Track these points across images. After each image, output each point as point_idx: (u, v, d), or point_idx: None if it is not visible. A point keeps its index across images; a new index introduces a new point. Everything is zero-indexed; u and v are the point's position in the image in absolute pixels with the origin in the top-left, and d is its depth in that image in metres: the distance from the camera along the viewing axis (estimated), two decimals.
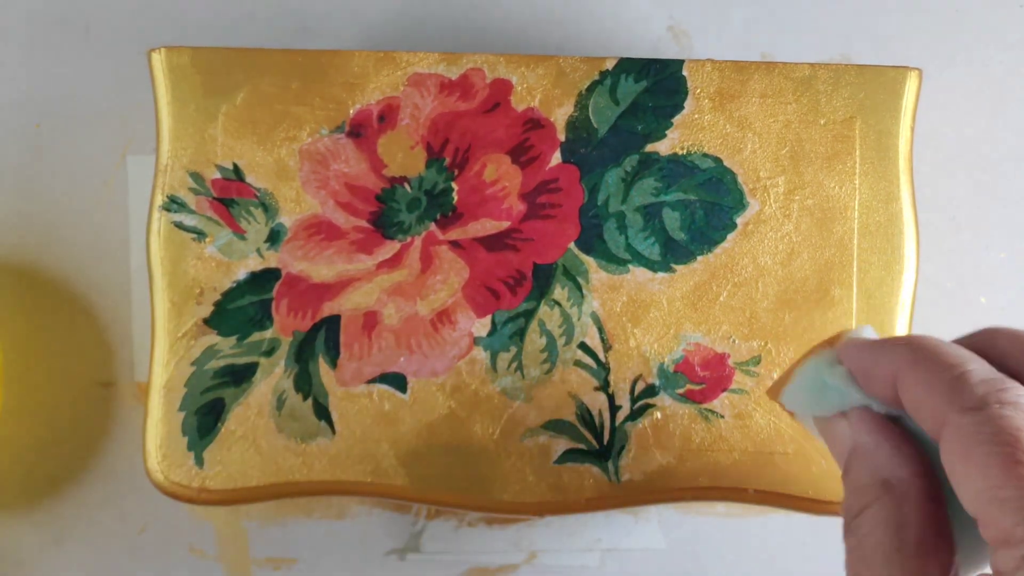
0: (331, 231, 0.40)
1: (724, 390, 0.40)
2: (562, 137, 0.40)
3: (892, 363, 0.28)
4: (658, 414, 0.40)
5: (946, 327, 0.46)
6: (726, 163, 0.40)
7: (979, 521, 0.25)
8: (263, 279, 0.40)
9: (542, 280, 0.40)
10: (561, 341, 0.40)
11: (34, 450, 0.45)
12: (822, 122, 0.40)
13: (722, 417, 0.39)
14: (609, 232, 0.40)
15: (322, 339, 0.39)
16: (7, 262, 0.45)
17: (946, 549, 0.27)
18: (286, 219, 0.40)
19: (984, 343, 0.29)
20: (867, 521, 0.28)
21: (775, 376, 0.40)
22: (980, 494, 0.25)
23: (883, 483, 0.28)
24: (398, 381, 0.39)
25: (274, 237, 0.40)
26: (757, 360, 0.40)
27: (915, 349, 0.28)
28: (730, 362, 0.40)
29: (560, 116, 0.40)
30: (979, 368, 0.27)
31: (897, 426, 0.29)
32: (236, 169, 0.40)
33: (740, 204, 0.40)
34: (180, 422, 0.39)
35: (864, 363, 0.30)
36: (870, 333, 0.31)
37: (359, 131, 0.40)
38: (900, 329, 0.40)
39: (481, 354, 0.40)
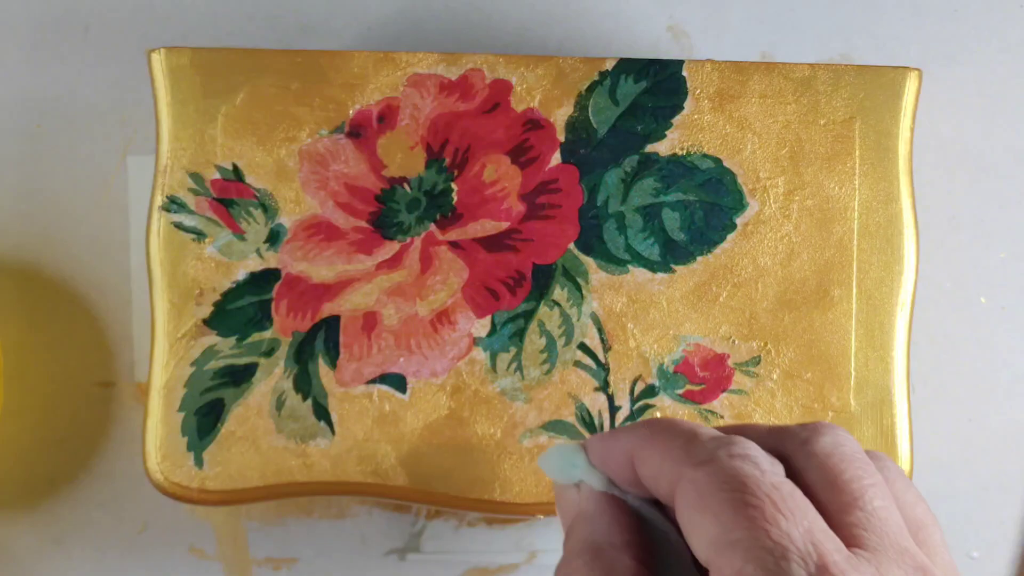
0: (331, 232, 0.40)
1: (724, 391, 0.40)
2: (562, 138, 0.40)
3: (628, 444, 0.30)
4: (657, 415, 0.40)
5: (946, 327, 0.46)
6: (726, 163, 0.40)
7: (711, 569, 0.26)
8: (263, 280, 0.40)
9: (542, 281, 0.40)
10: (561, 342, 0.40)
11: (34, 450, 0.45)
12: (822, 122, 0.40)
13: (722, 418, 0.39)
14: (609, 233, 0.40)
15: (322, 339, 0.39)
16: (7, 262, 0.45)
17: None
18: (286, 220, 0.40)
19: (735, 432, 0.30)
20: None
21: (775, 377, 0.40)
22: (712, 541, 0.26)
23: (595, 548, 0.29)
24: (398, 382, 0.39)
25: (274, 238, 0.40)
26: (757, 361, 0.40)
27: (650, 426, 0.29)
28: (730, 363, 0.40)
29: (560, 117, 0.40)
30: (709, 431, 0.28)
31: (622, 502, 0.30)
32: (236, 170, 0.40)
33: (740, 205, 0.40)
34: (180, 422, 0.39)
35: (602, 451, 0.31)
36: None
37: (359, 132, 0.40)
38: (900, 329, 0.40)
39: (481, 355, 0.40)
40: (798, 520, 0.25)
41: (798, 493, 0.26)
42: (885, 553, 0.25)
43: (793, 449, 0.28)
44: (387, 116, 0.40)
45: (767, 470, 0.26)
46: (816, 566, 0.24)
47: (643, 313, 0.40)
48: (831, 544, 0.25)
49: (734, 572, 0.25)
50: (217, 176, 0.40)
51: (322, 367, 0.39)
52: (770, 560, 0.24)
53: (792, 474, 0.27)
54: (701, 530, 0.26)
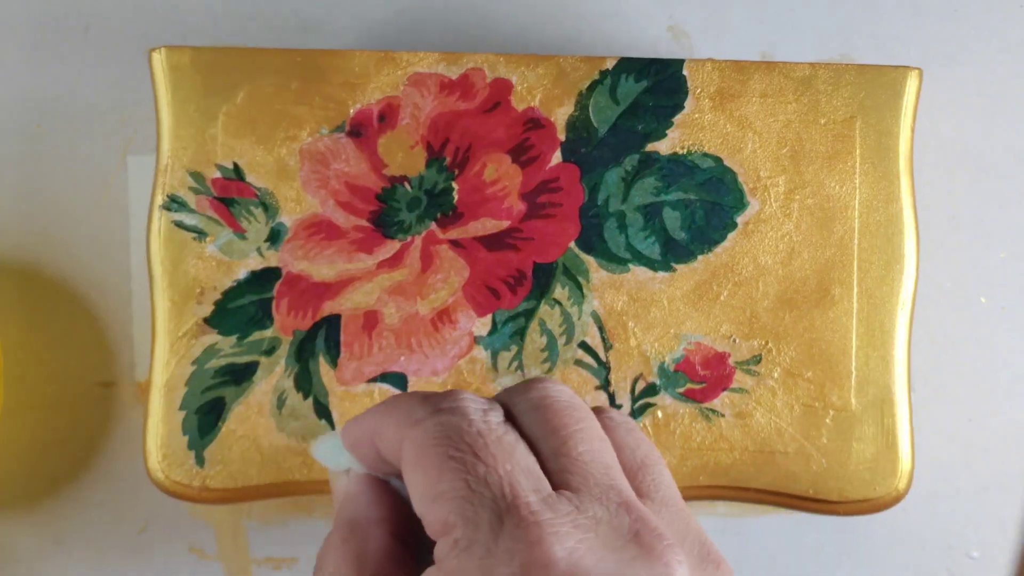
0: (331, 230, 0.40)
1: (724, 389, 0.40)
2: (562, 137, 0.40)
3: (369, 425, 0.31)
4: (659, 413, 0.40)
5: (946, 327, 0.46)
6: (726, 162, 0.40)
7: (424, 523, 0.27)
8: (263, 278, 0.40)
9: (542, 279, 0.40)
10: (561, 340, 0.40)
11: (34, 450, 0.45)
12: (822, 122, 0.40)
13: (723, 416, 0.39)
14: (609, 231, 0.40)
15: (322, 338, 0.39)
16: (7, 262, 0.45)
17: None
18: (286, 218, 0.40)
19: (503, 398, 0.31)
20: (331, 557, 0.30)
21: (776, 376, 0.40)
22: (423, 495, 0.27)
23: (352, 523, 0.30)
24: (399, 380, 0.39)
25: (274, 236, 0.40)
26: (758, 359, 0.40)
27: (386, 402, 0.30)
28: (730, 361, 0.40)
29: (560, 116, 0.40)
30: (430, 393, 0.29)
31: (384, 483, 0.31)
32: (236, 169, 0.40)
33: (740, 203, 0.40)
34: (181, 421, 0.39)
35: (351, 436, 0.32)
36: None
37: (359, 131, 0.40)
38: (900, 329, 0.40)
39: (481, 353, 0.40)
40: (499, 464, 0.26)
41: (508, 437, 0.27)
42: (589, 492, 0.26)
43: (513, 400, 0.29)
44: (388, 115, 0.40)
45: (475, 419, 0.27)
46: (508, 507, 0.25)
47: (644, 312, 0.40)
48: (531, 485, 0.26)
49: (439, 523, 0.26)
50: (218, 175, 0.40)
51: (323, 366, 0.39)
52: (467, 507, 0.25)
53: (514, 422, 0.28)
54: (414, 487, 0.27)
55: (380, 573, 0.29)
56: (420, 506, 0.27)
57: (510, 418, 0.28)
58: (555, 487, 0.26)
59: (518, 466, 0.26)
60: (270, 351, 0.39)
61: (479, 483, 0.26)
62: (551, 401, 0.28)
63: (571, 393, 0.29)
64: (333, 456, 0.34)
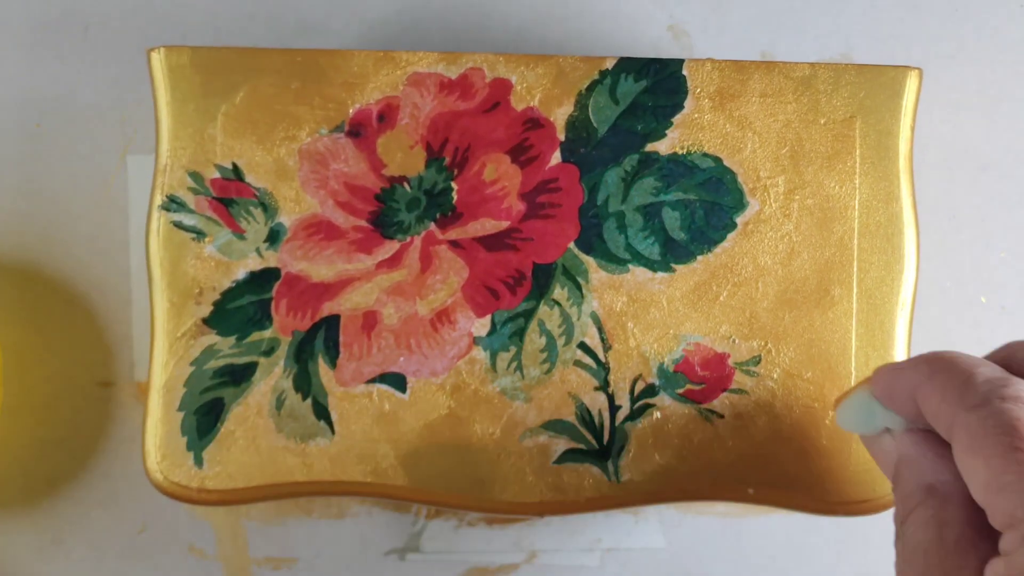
0: (330, 231, 0.40)
1: (724, 390, 0.40)
2: (562, 137, 0.40)
3: (910, 381, 0.30)
4: (658, 414, 0.40)
5: (946, 327, 0.46)
6: (726, 163, 0.40)
7: (987, 511, 0.26)
8: (262, 279, 0.40)
9: (542, 280, 0.40)
10: (561, 341, 0.40)
11: (34, 450, 0.45)
12: (822, 122, 0.40)
13: (722, 417, 0.39)
14: (609, 232, 0.40)
15: (321, 339, 0.39)
16: (7, 262, 0.45)
17: (985, 547, 0.28)
18: (285, 219, 0.40)
19: (1005, 355, 0.30)
20: (912, 523, 0.29)
21: (775, 376, 0.40)
22: (985, 485, 0.26)
23: (927, 487, 0.30)
24: (398, 381, 0.39)
25: (273, 237, 0.40)
26: (757, 360, 0.40)
27: (930, 363, 0.30)
28: (730, 362, 0.40)
29: (560, 116, 0.40)
30: (986, 370, 0.28)
31: (936, 437, 0.31)
32: (235, 169, 0.40)
33: (740, 204, 0.40)
34: (179, 422, 0.39)
35: (887, 386, 0.32)
36: None
37: (358, 131, 0.40)
38: (900, 329, 0.40)
39: (481, 354, 0.40)
40: None
41: None
42: None
43: None
44: (387, 115, 0.40)
45: None
46: None
47: (643, 312, 0.40)
48: None
49: (1006, 516, 0.26)
50: (217, 175, 0.40)
51: (322, 366, 0.39)
52: None
53: None
54: (974, 474, 0.27)
55: (962, 541, 0.28)
56: (981, 494, 0.27)
57: None
58: None
59: None
60: (269, 352, 0.39)
61: None
62: None
63: None
64: (867, 420, 0.34)
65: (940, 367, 0.29)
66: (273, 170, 0.40)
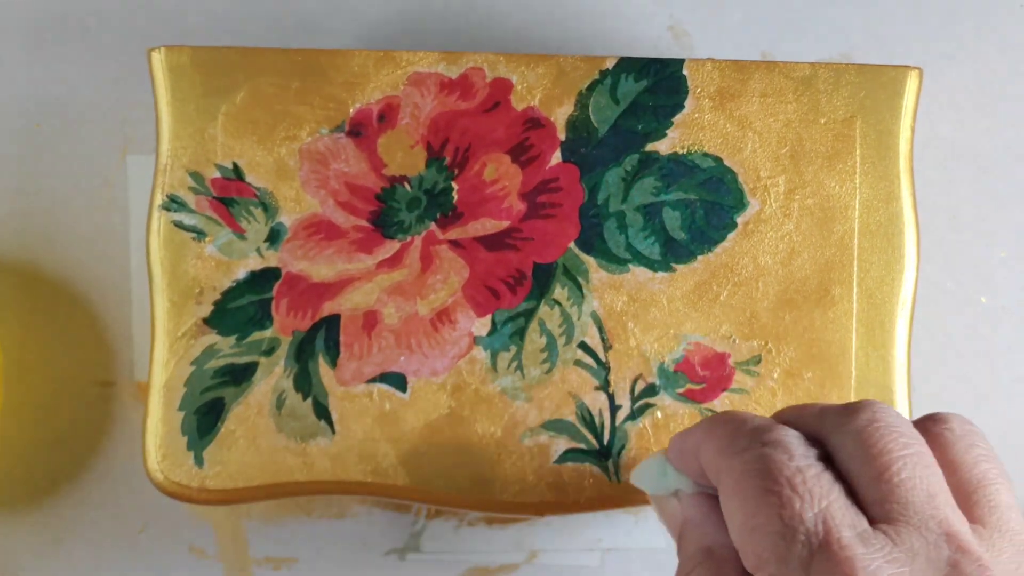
0: (331, 230, 0.40)
1: (724, 390, 0.40)
2: (562, 136, 0.40)
3: (695, 439, 0.31)
4: (658, 413, 0.40)
5: (946, 327, 0.46)
6: (726, 162, 0.40)
7: (740, 553, 0.27)
8: (263, 278, 0.40)
9: (542, 279, 0.40)
10: (561, 340, 0.40)
11: (34, 450, 0.45)
12: (822, 121, 0.40)
13: None
14: (609, 231, 0.40)
15: (322, 338, 0.39)
16: (7, 262, 0.45)
17: None
18: (286, 218, 0.40)
19: (794, 414, 0.31)
20: None
21: (776, 376, 0.40)
22: (739, 527, 0.27)
23: (706, 550, 0.31)
24: (398, 381, 0.39)
25: (274, 236, 0.40)
26: (757, 360, 0.40)
27: (711, 420, 0.31)
28: (730, 362, 0.40)
29: (560, 115, 0.40)
30: (755, 420, 0.29)
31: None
32: (236, 168, 0.40)
33: (740, 203, 0.40)
34: (180, 422, 0.39)
35: (677, 447, 0.33)
36: None
37: (359, 130, 0.40)
38: (901, 329, 0.40)
39: (481, 354, 0.40)
40: (815, 501, 0.26)
41: (825, 475, 0.27)
42: (908, 523, 0.26)
43: (832, 428, 0.28)
44: (387, 115, 0.40)
45: (796, 454, 0.27)
46: (820, 543, 0.25)
47: (644, 312, 0.40)
48: (846, 521, 0.26)
49: (756, 557, 0.26)
50: (217, 175, 0.40)
51: (322, 366, 0.39)
52: (780, 543, 0.26)
53: (832, 453, 0.28)
54: (733, 517, 0.27)
55: None
56: (736, 537, 0.27)
57: (829, 446, 0.28)
58: (874, 518, 0.26)
59: (835, 503, 0.26)
60: (269, 351, 0.39)
61: (794, 519, 0.26)
62: (874, 428, 0.28)
63: (895, 415, 0.28)
64: (659, 480, 0.34)
65: (717, 423, 0.30)
66: (274, 170, 0.40)
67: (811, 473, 0.27)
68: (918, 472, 0.27)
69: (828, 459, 0.28)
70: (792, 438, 0.28)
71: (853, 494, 0.27)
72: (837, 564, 0.25)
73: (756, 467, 0.27)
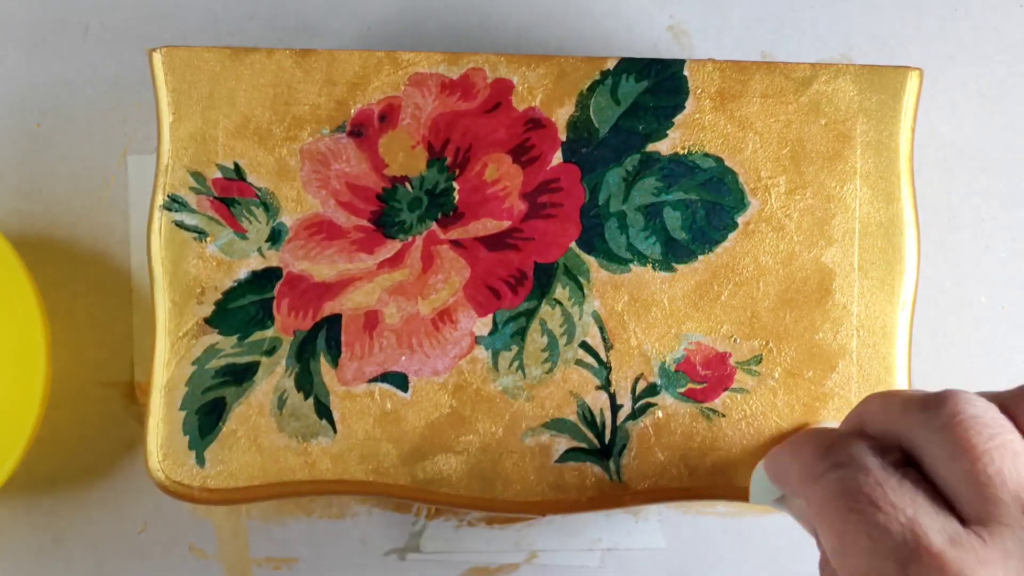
0: (332, 230, 0.40)
1: (725, 389, 0.40)
2: (563, 137, 0.40)
3: (784, 464, 0.32)
4: (659, 413, 0.40)
5: (946, 327, 0.46)
6: (727, 163, 0.40)
7: (839, 574, 0.27)
8: (264, 278, 0.40)
9: (543, 279, 0.40)
10: (562, 340, 0.40)
11: (34, 450, 0.45)
12: (823, 122, 0.40)
13: (723, 416, 0.39)
14: (610, 231, 0.40)
15: (323, 338, 0.39)
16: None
17: None
18: (287, 218, 0.40)
19: (860, 410, 0.32)
20: None
21: (776, 376, 0.40)
22: (833, 552, 0.27)
23: (822, 562, 0.31)
24: (399, 380, 0.39)
25: (275, 236, 0.40)
26: (758, 359, 0.40)
27: (792, 444, 0.32)
28: (731, 361, 0.40)
29: (561, 116, 0.40)
30: (828, 439, 0.30)
31: None
32: (237, 168, 0.40)
33: (741, 204, 0.40)
34: (181, 421, 0.39)
35: (772, 469, 0.34)
36: None
37: (360, 131, 0.40)
38: (901, 329, 0.40)
39: (482, 353, 0.40)
40: (899, 512, 0.26)
41: (906, 483, 0.27)
42: (1000, 521, 0.25)
43: (914, 425, 0.28)
44: (389, 115, 0.40)
45: (872, 468, 0.27)
46: (911, 552, 0.25)
47: (645, 312, 0.40)
48: (935, 526, 0.25)
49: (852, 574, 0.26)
50: (218, 175, 0.40)
51: (324, 366, 0.39)
52: (872, 560, 0.26)
53: (916, 452, 0.28)
54: (826, 542, 0.28)
55: None
56: (834, 561, 0.27)
57: (913, 445, 0.28)
58: (966, 517, 0.26)
59: (920, 509, 0.26)
60: (271, 351, 0.39)
61: (881, 533, 0.26)
62: (958, 420, 0.27)
63: (980, 404, 0.27)
64: (762, 493, 0.36)
65: (798, 446, 0.31)
66: (275, 170, 0.40)
67: (891, 484, 0.26)
68: (1007, 464, 0.26)
69: (911, 460, 0.28)
70: (865, 453, 0.28)
71: (942, 493, 0.27)
72: (930, 571, 0.24)
73: (835, 490, 0.27)
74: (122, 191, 0.46)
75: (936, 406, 0.28)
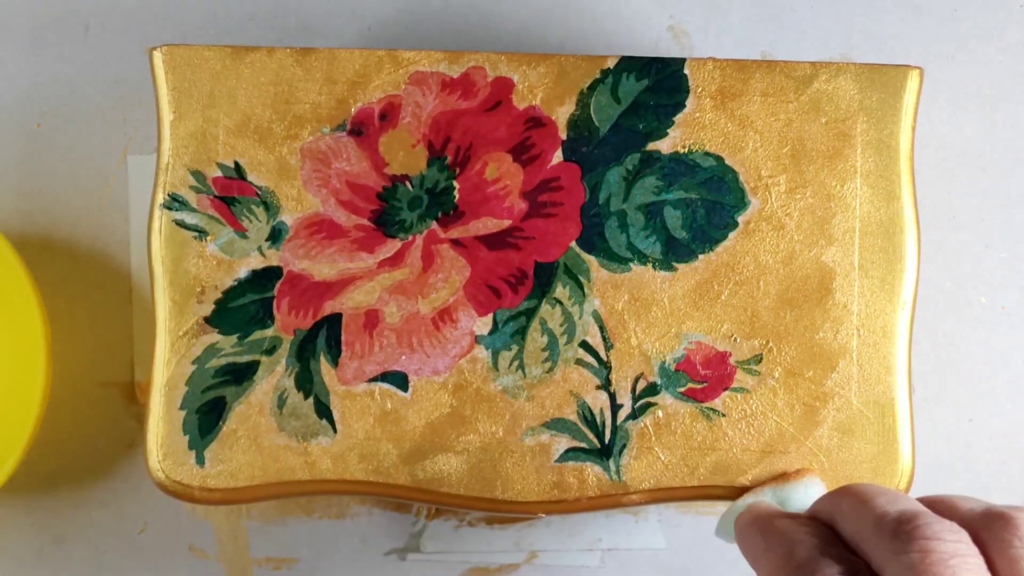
0: (332, 229, 0.40)
1: (725, 389, 0.40)
2: (563, 136, 0.40)
3: (751, 548, 0.33)
4: (659, 413, 0.40)
5: (946, 327, 0.46)
6: (727, 162, 0.40)
7: None
8: (264, 277, 0.40)
9: (543, 279, 0.40)
10: (562, 340, 0.40)
11: (34, 450, 0.45)
12: (823, 121, 0.40)
13: (723, 416, 0.39)
14: (610, 231, 0.40)
15: (323, 338, 0.39)
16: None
17: None
18: (287, 217, 0.40)
19: (835, 505, 0.32)
20: None
21: (777, 375, 0.40)
22: None
23: None
24: (399, 380, 0.39)
25: (275, 235, 0.40)
26: (758, 359, 0.40)
27: (762, 541, 0.32)
28: (731, 361, 0.40)
29: (561, 115, 0.40)
30: (800, 559, 0.30)
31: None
32: (237, 167, 0.40)
33: (741, 203, 0.40)
34: (181, 421, 0.39)
35: (740, 540, 0.35)
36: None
37: (361, 129, 0.40)
38: (901, 329, 0.40)
39: (482, 353, 0.39)
40: None
41: None
42: None
43: (886, 557, 0.29)
44: (389, 114, 0.40)
45: None
46: None
47: (645, 311, 0.40)
48: None
49: None
50: (219, 174, 0.40)
51: (324, 365, 0.39)
52: None
53: None
54: None
55: None
56: None
57: (878, 570, 0.28)
58: None
59: None
60: (271, 350, 0.39)
61: None
62: (928, 563, 0.27)
63: (951, 536, 0.28)
64: (731, 536, 0.37)
65: (769, 548, 0.31)
66: (275, 169, 0.40)
67: None
68: None
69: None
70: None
71: None
72: None
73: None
74: (122, 191, 0.46)
75: (907, 539, 0.28)
